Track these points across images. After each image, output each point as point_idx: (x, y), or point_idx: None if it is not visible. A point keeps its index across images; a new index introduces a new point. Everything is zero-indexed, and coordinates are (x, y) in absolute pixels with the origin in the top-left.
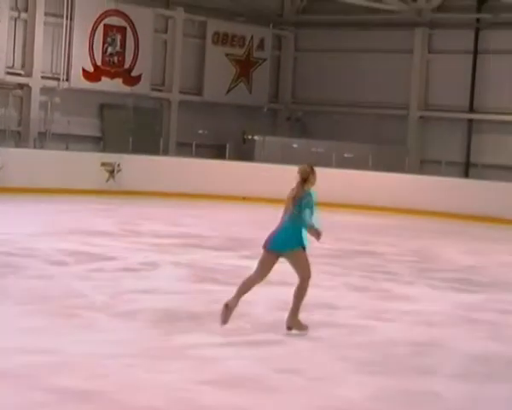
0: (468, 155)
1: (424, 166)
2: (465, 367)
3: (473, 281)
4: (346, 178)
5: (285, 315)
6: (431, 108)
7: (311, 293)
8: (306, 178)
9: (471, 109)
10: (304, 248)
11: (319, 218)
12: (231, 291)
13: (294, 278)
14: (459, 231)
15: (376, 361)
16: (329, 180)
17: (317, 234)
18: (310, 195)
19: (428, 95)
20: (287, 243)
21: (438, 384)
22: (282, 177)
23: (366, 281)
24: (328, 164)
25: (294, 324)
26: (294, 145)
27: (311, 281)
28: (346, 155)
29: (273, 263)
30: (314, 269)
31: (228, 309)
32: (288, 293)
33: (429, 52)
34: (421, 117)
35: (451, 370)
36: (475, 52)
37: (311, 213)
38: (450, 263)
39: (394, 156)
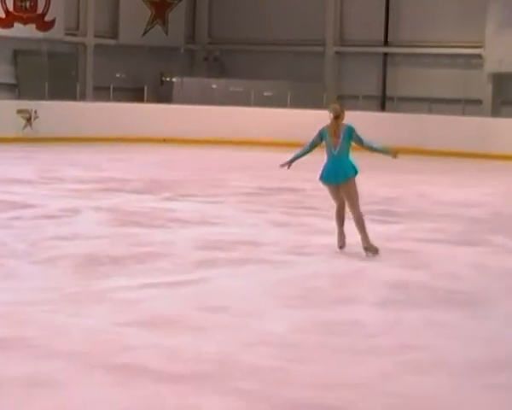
0: (384, 89)
1: (342, 101)
2: (384, 295)
3: (392, 212)
4: (266, 116)
5: (207, 254)
6: (346, 43)
7: (234, 231)
8: (338, 116)
9: (386, 43)
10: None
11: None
12: (152, 234)
13: (215, 219)
14: (378, 165)
15: (299, 295)
16: (249, 119)
17: (393, 152)
18: (349, 126)
19: (343, 30)
20: (340, 174)
21: (358, 313)
22: (201, 117)
23: (287, 217)
24: (247, 103)
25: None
26: (213, 85)
27: (235, 220)
28: (265, 94)
29: (337, 191)
30: (235, 208)
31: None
32: (209, 232)
33: None
34: (336, 53)
35: (371, 298)
36: None
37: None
38: (370, 196)
39: (312, 93)
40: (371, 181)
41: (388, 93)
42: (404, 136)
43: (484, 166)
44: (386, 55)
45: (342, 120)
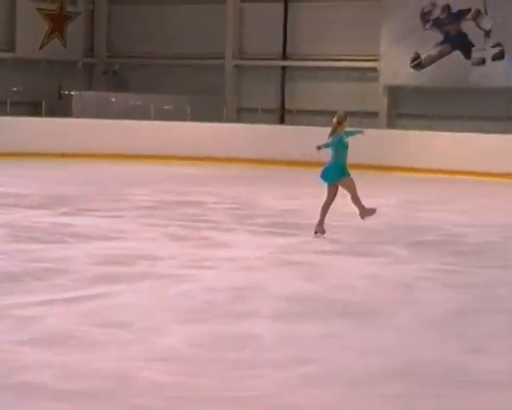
0: (282, 102)
1: (241, 114)
2: (282, 308)
3: (289, 225)
4: (166, 129)
5: (106, 269)
6: (246, 56)
7: (133, 245)
8: (341, 122)
9: (284, 57)
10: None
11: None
12: (50, 249)
13: (115, 233)
14: (277, 177)
15: (198, 309)
16: (149, 133)
17: (358, 132)
18: (340, 136)
19: (243, 44)
20: (333, 176)
21: (256, 326)
22: (101, 131)
23: (187, 230)
24: (147, 117)
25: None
26: (112, 99)
27: (134, 234)
28: (164, 107)
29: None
30: (135, 222)
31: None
32: (108, 247)
33: (242, 1)
34: (236, 66)
35: (269, 312)
36: (286, 0)
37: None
38: (269, 208)
39: (212, 106)
40: (269, 194)
41: (287, 106)
42: (303, 149)
43: (379, 177)
44: (284, 68)
45: (343, 127)
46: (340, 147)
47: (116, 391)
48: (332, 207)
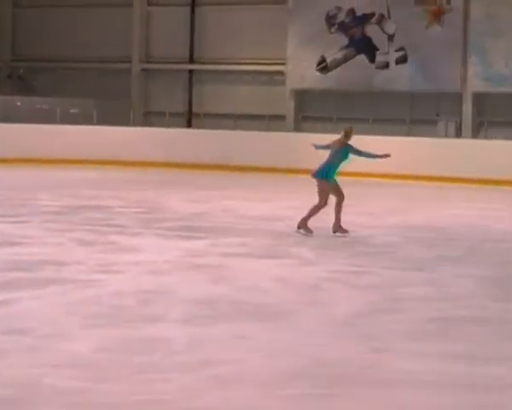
0: (190, 106)
1: (148, 118)
2: (190, 311)
3: (197, 228)
4: (72, 133)
5: (9, 275)
6: (153, 60)
7: (38, 251)
8: (348, 135)
9: (191, 60)
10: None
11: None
12: None
13: (19, 239)
14: (185, 181)
15: (104, 313)
16: (55, 137)
17: (384, 155)
18: (349, 145)
19: (150, 47)
20: (328, 174)
21: (165, 330)
22: (6, 136)
23: (93, 235)
24: (52, 120)
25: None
26: (18, 103)
27: (39, 239)
28: (71, 111)
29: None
30: (40, 227)
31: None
32: (12, 253)
33: (149, 5)
34: (143, 70)
35: (179, 315)
36: (193, 4)
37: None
38: (176, 212)
39: (119, 110)
40: (177, 197)
41: (194, 110)
42: (211, 152)
43: (287, 180)
44: (191, 72)
45: (349, 140)
46: (344, 158)
47: (19, 399)
48: (240, 210)
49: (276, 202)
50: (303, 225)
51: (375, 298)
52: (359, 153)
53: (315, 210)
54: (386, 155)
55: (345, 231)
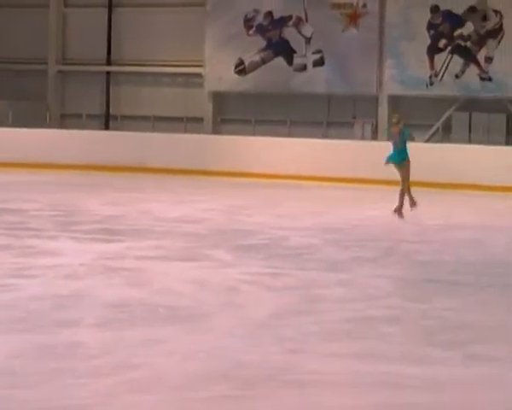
0: (107, 108)
1: (65, 120)
2: (105, 315)
3: (114, 230)
4: None
5: None
6: (69, 61)
7: None
8: (398, 122)
9: (109, 62)
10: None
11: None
12: None
13: None
14: (102, 183)
15: (19, 319)
16: None
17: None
18: (406, 128)
19: (66, 49)
20: (399, 157)
21: (80, 334)
22: None
23: (9, 239)
24: None
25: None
26: None
27: None
28: None
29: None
30: None
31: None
32: None
33: (65, 6)
34: (59, 71)
35: (94, 319)
36: (110, 6)
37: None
38: (93, 215)
39: (35, 112)
40: (94, 200)
41: (112, 112)
42: (129, 154)
43: (205, 182)
44: (109, 73)
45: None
46: (403, 139)
47: None
48: (158, 213)
49: (193, 204)
50: (398, 210)
51: (291, 299)
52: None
53: (403, 194)
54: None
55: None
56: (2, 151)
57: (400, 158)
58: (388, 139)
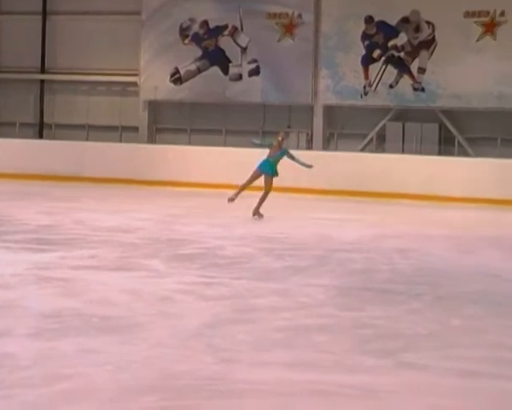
0: (41, 116)
1: None
2: (37, 325)
3: (48, 240)
4: None
5: None
6: (3, 69)
7: None
8: (281, 141)
9: (43, 70)
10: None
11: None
12: None
13: None
14: (37, 192)
15: None
16: None
17: (309, 165)
18: (284, 149)
19: (0, 57)
20: (268, 170)
21: (11, 345)
22: None
23: None
24: None
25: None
26: None
27: None
28: None
29: (257, 177)
30: None
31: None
32: None
33: None
34: None
35: (25, 329)
36: (44, 13)
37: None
38: (27, 224)
39: None
40: (28, 209)
41: (46, 120)
42: (62, 163)
43: (140, 191)
44: (43, 82)
45: (282, 146)
46: (279, 157)
47: None
48: (92, 222)
49: (128, 213)
50: (256, 212)
51: (224, 309)
52: (292, 158)
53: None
54: (310, 166)
55: (261, 216)
56: None
57: (272, 170)
58: (269, 147)
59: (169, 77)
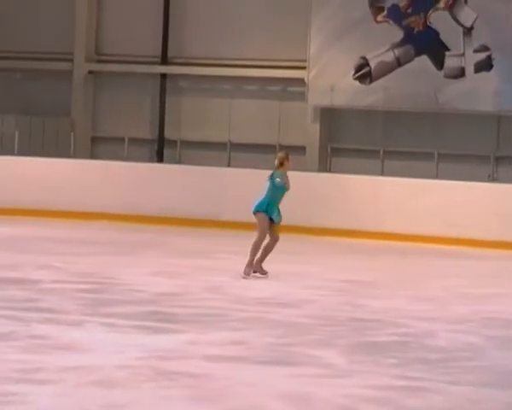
0: (161, 128)
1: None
2: None
3: (170, 316)
4: None
5: None
6: (105, 58)
7: None
8: (282, 163)
9: (164, 60)
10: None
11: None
12: None
13: None
14: (152, 243)
15: None
16: None
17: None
18: (280, 175)
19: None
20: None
21: None
22: None
23: (12, 324)
24: None
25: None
26: None
27: None
28: None
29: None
30: None
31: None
32: None
33: None
34: (90, 72)
35: None
36: None
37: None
38: (139, 291)
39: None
40: (136, 268)
41: (167, 135)
42: (191, 199)
43: (305, 244)
44: (164, 77)
45: (286, 169)
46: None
47: None
48: (234, 290)
49: (288, 276)
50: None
51: None
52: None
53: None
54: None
55: (264, 273)
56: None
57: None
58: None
59: (353, 72)
